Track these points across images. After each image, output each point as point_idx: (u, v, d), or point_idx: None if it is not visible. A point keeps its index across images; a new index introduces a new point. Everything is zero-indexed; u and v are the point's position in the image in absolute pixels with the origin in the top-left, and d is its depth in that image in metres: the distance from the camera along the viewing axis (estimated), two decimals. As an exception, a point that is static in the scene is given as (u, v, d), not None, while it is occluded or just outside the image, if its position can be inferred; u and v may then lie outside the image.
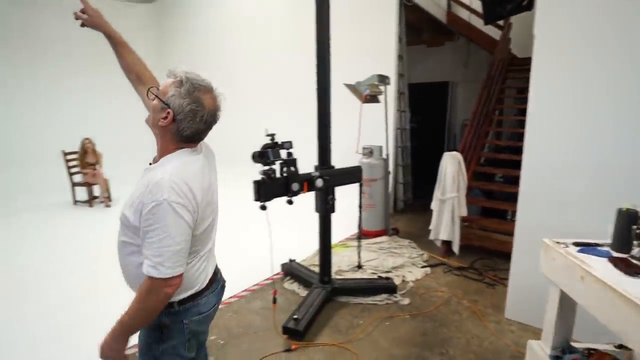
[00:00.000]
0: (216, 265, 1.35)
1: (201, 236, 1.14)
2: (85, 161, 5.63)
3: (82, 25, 1.31)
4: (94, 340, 1.17)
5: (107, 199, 5.64)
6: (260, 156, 1.89)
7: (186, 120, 1.06)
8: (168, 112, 1.05)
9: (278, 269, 3.25)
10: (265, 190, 2.00)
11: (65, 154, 5.69)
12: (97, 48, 7.68)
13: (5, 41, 6.56)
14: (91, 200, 5.63)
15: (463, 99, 6.78)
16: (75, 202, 5.76)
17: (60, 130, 7.01)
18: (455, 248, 3.56)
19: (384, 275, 3.16)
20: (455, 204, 3.46)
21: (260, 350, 2.31)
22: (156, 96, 1.08)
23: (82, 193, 5.69)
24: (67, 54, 7.32)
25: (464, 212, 3.54)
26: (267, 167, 1.97)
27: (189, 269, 1.12)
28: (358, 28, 5.35)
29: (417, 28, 6.21)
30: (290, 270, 3.17)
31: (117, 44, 1.34)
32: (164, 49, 8.45)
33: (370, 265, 3.38)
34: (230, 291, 2.94)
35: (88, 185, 5.62)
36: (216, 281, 1.30)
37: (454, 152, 3.57)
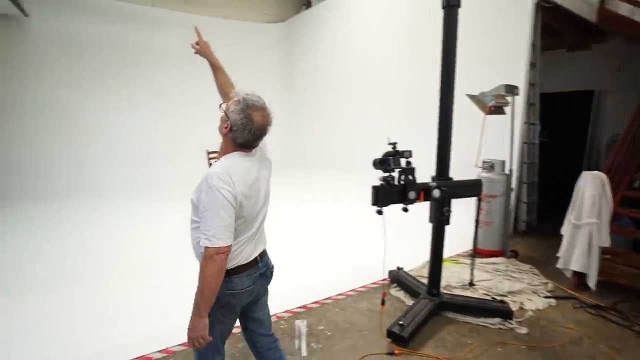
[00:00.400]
0: (261, 255, 1.56)
1: (239, 225, 1.39)
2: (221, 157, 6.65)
3: (195, 52, 1.80)
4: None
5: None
6: (381, 163, 2.02)
7: (239, 131, 1.37)
8: (227, 124, 1.38)
9: (384, 275, 3.33)
10: (383, 195, 2.12)
11: (208, 152, 6.81)
12: (233, 67, 9.06)
13: (169, 58, 8.17)
14: (225, 192, 6.60)
15: (613, 110, 5.74)
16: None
17: (207, 131, 8.35)
18: (591, 282, 3.08)
19: (497, 298, 2.95)
20: (594, 232, 3.01)
21: (363, 348, 2.42)
22: (223, 111, 1.41)
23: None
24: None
25: (607, 242, 3.05)
26: (386, 174, 2.09)
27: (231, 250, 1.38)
28: (484, 35, 5.06)
29: (555, 31, 5.55)
30: (398, 278, 3.22)
31: (216, 69, 1.79)
32: (292, 64, 9.38)
33: (483, 286, 3.19)
34: (338, 288, 3.15)
35: (223, 180, 6.62)
36: (255, 267, 1.51)
37: (597, 172, 3.11)
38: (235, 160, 1.41)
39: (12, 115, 6.95)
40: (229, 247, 1.33)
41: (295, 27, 9.22)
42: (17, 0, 6.27)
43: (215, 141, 6.72)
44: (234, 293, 1.46)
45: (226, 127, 1.39)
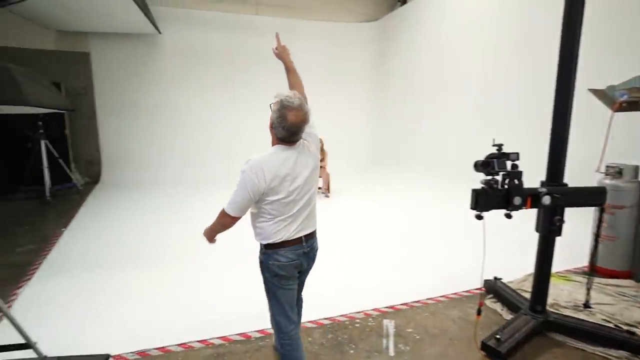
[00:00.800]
0: (307, 236, 1.78)
1: (275, 204, 1.65)
2: (315, 157, 6.95)
3: (275, 56, 2.10)
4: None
5: (327, 191, 6.77)
6: (484, 165, 1.91)
7: (277, 128, 1.63)
8: (271, 121, 1.66)
9: (478, 284, 3.13)
10: (484, 200, 2.00)
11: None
12: (328, 67, 9.40)
13: (275, 61, 8.81)
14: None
15: None
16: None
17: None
18: None
19: (624, 327, 2.53)
20: None
21: (453, 357, 2.32)
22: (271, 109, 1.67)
23: (310, 183, 7.04)
24: (310, 70, 9.13)
25: None
26: (489, 177, 1.97)
27: (267, 225, 1.69)
28: (610, 17, 4.31)
29: None
30: (495, 289, 2.99)
31: (288, 71, 2.08)
32: (385, 62, 9.30)
33: (603, 310, 2.77)
34: (427, 292, 3.07)
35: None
36: (299, 245, 1.74)
37: None
38: (275, 151, 1.68)
39: (142, 116, 8.31)
40: (235, 218, 1.69)
41: (389, 25, 9.10)
42: (153, 21, 7.48)
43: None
44: (280, 265, 1.72)
45: (270, 124, 1.69)
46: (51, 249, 4.03)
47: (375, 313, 2.80)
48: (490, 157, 1.92)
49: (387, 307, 2.86)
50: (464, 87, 6.70)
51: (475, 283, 2.91)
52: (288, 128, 1.61)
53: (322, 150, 6.89)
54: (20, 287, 3.15)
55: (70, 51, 7.76)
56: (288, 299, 1.80)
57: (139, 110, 8.27)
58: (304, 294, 2.10)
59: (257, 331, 2.52)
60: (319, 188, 6.97)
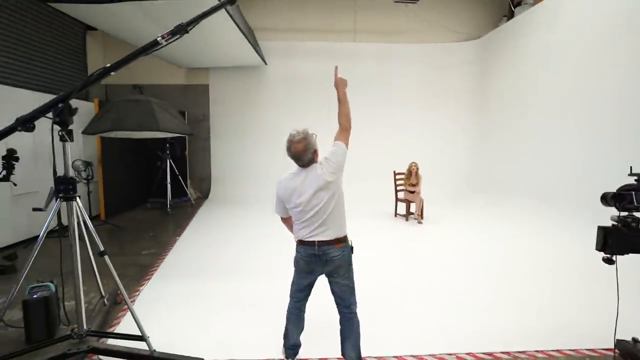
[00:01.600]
0: (320, 243, 2.11)
1: (292, 211, 2.17)
2: (408, 182, 6.71)
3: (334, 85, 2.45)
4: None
5: (420, 217, 6.45)
6: (617, 199, 1.57)
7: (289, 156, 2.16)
8: None
9: (608, 343, 2.55)
10: (618, 240, 1.63)
11: (396, 173, 7.02)
12: (425, 89, 9.14)
13: (371, 85, 8.94)
14: (407, 215, 6.62)
15: None
16: (396, 214, 6.96)
17: (395, 152, 8.72)
18: None
19: None
20: None
21: None
22: None
23: (402, 208, 6.81)
24: (406, 93, 9.02)
25: None
26: (624, 213, 1.61)
27: (294, 225, 2.21)
28: None
29: None
30: (633, 353, 2.40)
31: (339, 101, 2.38)
32: (487, 82, 8.66)
33: None
34: (536, 343, 2.61)
35: (407, 202, 6.66)
36: (310, 247, 2.13)
37: None
38: (293, 171, 2.20)
39: (248, 138, 9.16)
40: (282, 218, 2.38)
41: (493, 42, 8.48)
42: (261, 54, 8.34)
43: (403, 163, 6.90)
44: (297, 257, 2.23)
45: None
46: (167, 254, 4.63)
47: (470, 358, 2.48)
48: (627, 188, 1.57)
49: (484, 354, 2.52)
50: (582, 106, 5.79)
51: (601, 341, 2.38)
52: (292, 156, 2.14)
53: (416, 175, 6.64)
54: (142, 285, 3.66)
55: (195, 84, 9.09)
56: (298, 285, 2.29)
57: (245, 133, 9.17)
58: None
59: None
60: (411, 214, 6.69)
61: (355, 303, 2.24)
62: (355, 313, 2.24)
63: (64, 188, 2.24)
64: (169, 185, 7.56)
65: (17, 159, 4.49)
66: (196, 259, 4.52)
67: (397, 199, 7.00)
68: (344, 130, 2.31)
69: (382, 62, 9.03)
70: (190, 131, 5.37)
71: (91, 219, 6.01)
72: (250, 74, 9.05)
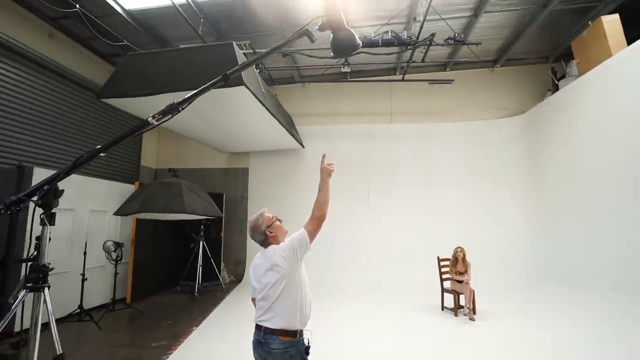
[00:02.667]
0: (265, 328, 2.03)
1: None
2: (455, 269, 5.87)
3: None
4: None
5: (472, 312, 5.45)
6: None
7: None
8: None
9: None
10: None
11: (440, 260, 6.23)
12: (469, 168, 8.62)
13: (410, 165, 8.65)
14: (456, 309, 5.65)
15: None
16: (443, 307, 5.99)
17: (438, 237, 7.96)
18: None
19: None
20: None
21: None
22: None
23: (449, 299, 5.86)
24: (449, 172, 8.54)
25: None
26: None
27: None
28: None
29: None
30: None
31: (318, 188, 2.33)
32: (536, 157, 7.98)
33: None
34: None
35: (455, 293, 5.73)
36: (257, 331, 2.09)
37: None
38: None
39: (284, 220, 8.96)
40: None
41: (539, 116, 8.00)
42: (298, 139, 8.62)
43: (448, 248, 6.17)
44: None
45: None
46: (176, 348, 4.17)
47: None
48: None
49: None
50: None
51: None
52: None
53: (463, 261, 5.82)
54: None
55: (235, 167, 9.47)
56: None
57: (282, 215, 8.93)
58: None
59: None
60: (461, 307, 5.71)
61: None
62: None
63: (34, 277, 2.04)
64: (199, 268, 7.39)
65: (48, 239, 4.60)
66: (205, 356, 4.01)
67: (443, 290, 6.09)
68: (313, 218, 2.19)
69: (421, 142, 8.82)
70: (218, 213, 5.31)
71: (116, 301, 5.95)
72: (289, 157, 9.27)
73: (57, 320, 5.04)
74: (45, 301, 2.10)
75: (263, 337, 2.00)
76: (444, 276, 6.13)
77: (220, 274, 8.53)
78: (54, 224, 2.12)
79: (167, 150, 9.80)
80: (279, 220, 2.45)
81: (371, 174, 8.86)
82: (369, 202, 8.72)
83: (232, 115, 5.99)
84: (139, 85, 4.83)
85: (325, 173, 2.34)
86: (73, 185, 5.55)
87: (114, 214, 5.14)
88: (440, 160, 8.67)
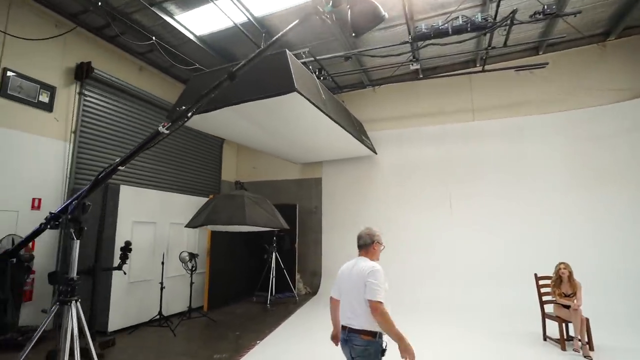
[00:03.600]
0: (349, 327, 2.38)
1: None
2: (559, 291, 4.77)
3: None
4: None
5: (586, 346, 4.31)
6: None
7: None
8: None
9: None
10: None
11: (538, 278, 5.16)
12: (573, 167, 7.10)
13: (498, 167, 7.51)
14: (563, 341, 4.55)
15: None
16: (545, 337, 4.90)
17: (536, 252, 6.69)
18: None
19: None
20: None
21: None
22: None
23: (554, 328, 4.78)
24: (546, 173, 7.17)
25: None
26: None
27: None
28: None
29: None
30: None
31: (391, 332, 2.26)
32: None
33: None
34: None
35: (561, 320, 4.63)
36: (343, 331, 2.43)
37: None
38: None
39: (359, 230, 8.58)
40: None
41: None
42: (370, 146, 8.23)
43: (547, 265, 5.09)
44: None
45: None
46: (235, 363, 4.13)
47: None
48: None
49: None
50: None
51: None
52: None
53: (569, 281, 4.71)
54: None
55: (308, 178, 9.46)
56: None
57: (356, 225, 8.62)
58: None
59: None
60: (570, 338, 4.59)
61: None
62: None
63: (62, 290, 2.10)
64: (272, 280, 7.45)
65: (130, 250, 5.05)
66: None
67: (544, 315, 5.00)
68: (372, 308, 2.29)
69: (510, 140, 7.61)
70: (281, 225, 5.24)
71: (193, 310, 6.29)
72: (362, 165, 8.90)
73: (141, 325, 5.50)
74: (77, 313, 2.13)
75: (348, 335, 2.34)
76: (544, 298, 5.05)
77: (295, 286, 8.52)
78: (79, 238, 2.17)
79: (245, 164, 10.31)
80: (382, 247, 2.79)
81: (452, 180, 7.95)
82: (451, 211, 7.82)
83: (292, 124, 5.93)
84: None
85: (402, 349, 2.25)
86: (155, 200, 6.08)
87: (185, 227, 5.46)
88: (534, 159, 7.33)
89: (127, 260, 5.05)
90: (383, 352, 2.31)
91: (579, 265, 4.96)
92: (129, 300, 5.44)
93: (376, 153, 8.60)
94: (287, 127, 6.16)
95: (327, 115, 5.48)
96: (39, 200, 5.46)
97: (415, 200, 8.21)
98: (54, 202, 5.55)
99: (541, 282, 5.11)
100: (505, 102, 7.79)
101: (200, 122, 5.58)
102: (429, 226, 7.88)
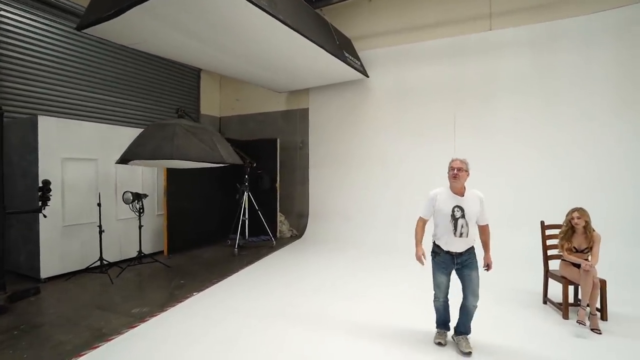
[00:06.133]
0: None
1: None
2: (569, 245, 3.61)
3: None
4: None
5: (596, 315, 3.27)
6: None
7: None
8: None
9: None
10: None
11: (544, 226, 3.99)
12: (627, 84, 5.36)
13: (517, 87, 5.95)
14: (567, 306, 3.51)
15: None
16: (545, 300, 3.87)
17: (555, 194, 5.41)
18: None
19: None
20: None
21: None
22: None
23: (556, 289, 3.73)
24: (584, 94, 5.54)
25: None
26: None
27: None
28: None
29: None
30: None
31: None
32: None
33: None
34: None
35: (566, 282, 3.55)
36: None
37: None
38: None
39: (350, 167, 7.56)
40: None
41: None
42: (362, 68, 6.81)
43: (559, 209, 3.89)
44: None
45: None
46: (147, 321, 3.49)
47: None
48: None
49: None
50: None
51: None
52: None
53: (584, 233, 3.52)
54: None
55: (294, 109, 8.28)
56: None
57: (348, 161, 7.59)
58: None
59: None
60: (576, 303, 3.56)
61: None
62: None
63: None
64: (246, 222, 6.75)
65: (49, 190, 4.36)
66: (181, 330, 3.20)
67: (547, 273, 3.92)
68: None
69: (538, 50, 5.87)
70: (221, 159, 4.28)
71: (146, 255, 5.73)
72: (352, 92, 7.54)
73: (81, 271, 5.02)
74: None
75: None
76: (549, 252, 3.92)
77: (276, 228, 7.84)
78: None
79: (228, 97, 9.22)
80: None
81: (458, 105, 6.50)
82: (454, 142, 6.48)
83: (237, 35, 4.70)
84: (110, 5, 3.93)
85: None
86: (91, 134, 5.27)
87: (115, 163, 4.63)
88: (568, 76, 5.66)
89: (48, 201, 4.41)
90: (434, 255, 2.95)
91: (604, 212, 3.73)
92: (67, 245, 4.91)
93: (367, 76, 7.18)
94: (237, 41, 4.93)
95: (275, 17, 4.18)
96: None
97: (414, 132, 6.91)
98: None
99: (549, 232, 3.95)
100: (533, 1, 5.93)
101: (110, 29, 4.35)
102: (429, 162, 6.65)
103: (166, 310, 3.77)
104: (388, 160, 7.19)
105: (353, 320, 3.52)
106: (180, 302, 4.00)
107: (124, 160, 4.25)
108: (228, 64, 6.01)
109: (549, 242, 3.92)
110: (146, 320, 3.51)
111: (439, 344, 2.96)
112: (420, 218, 2.99)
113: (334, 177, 7.79)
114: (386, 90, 7.23)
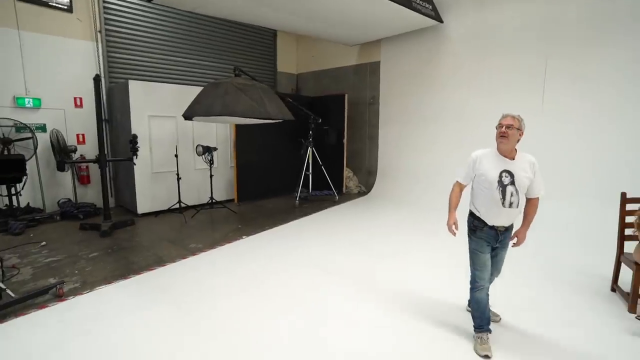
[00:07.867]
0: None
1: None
2: (650, 223, 2.86)
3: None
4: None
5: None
6: None
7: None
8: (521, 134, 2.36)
9: None
10: None
11: (626, 199, 3.20)
12: None
13: (634, 24, 4.59)
14: (636, 298, 2.87)
15: None
16: (614, 287, 3.22)
17: (621, 159, 4.22)
18: None
19: None
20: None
21: None
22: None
23: (628, 276, 3.06)
24: None
25: None
26: None
27: None
28: None
29: None
30: None
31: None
32: None
33: None
34: None
35: (639, 268, 2.87)
36: None
37: None
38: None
39: (422, 124, 7.08)
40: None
41: None
42: (432, 13, 6.05)
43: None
44: None
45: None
46: (196, 254, 4.12)
47: None
48: None
49: None
50: None
51: None
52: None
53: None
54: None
55: (365, 63, 7.92)
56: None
57: (420, 117, 7.10)
58: None
59: None
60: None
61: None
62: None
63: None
64: (310, 176, 7.04)
65: (136, 143, 5.27)
66: (190, 279, 3.71)
67: (620, 256, 3.21)
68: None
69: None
70: (268, 115, 4.47)
71: (225, 201, 6.52)
72: (425, 41, 6.82)
73: (165, 211, 6.02)
74: None
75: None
76: (627, 231, 3.18)
77: (345, 184, 7.95)
78: None
79: (305, 54, 9.27)
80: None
81: (552, 49, 5.35)
82: (543, 97, 5.46)
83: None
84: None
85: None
86: (167, 94, 5.98)
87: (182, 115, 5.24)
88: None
89: (137, 152, 5.35)
90: (473, 231, 2.45)
91: None
92: (155, 188, 5.94)
93: (442, 21, 6.35)
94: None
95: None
96: (80, 99, 6.05)
97: (494, 85, 6.01)
98: (93, 100, 6.07)
99: (630, 207, 3.17)
100: None
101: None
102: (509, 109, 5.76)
103: (215, 248, 4.36)
104: (464, 117, 6.47)
105: (393, 287, 3.34)
106: (230, 242, 4.56)
107: (186, 117, 4.80)
108: (295, 24, 6.03)
109: (627, 219, 3.17)
110: (196, 254, 4.14)
111: (486, 357, 2.25)
112: (457, 183, 2.53)
113: (405, 134, 7.40)
114: (463, 36, 6.34)
